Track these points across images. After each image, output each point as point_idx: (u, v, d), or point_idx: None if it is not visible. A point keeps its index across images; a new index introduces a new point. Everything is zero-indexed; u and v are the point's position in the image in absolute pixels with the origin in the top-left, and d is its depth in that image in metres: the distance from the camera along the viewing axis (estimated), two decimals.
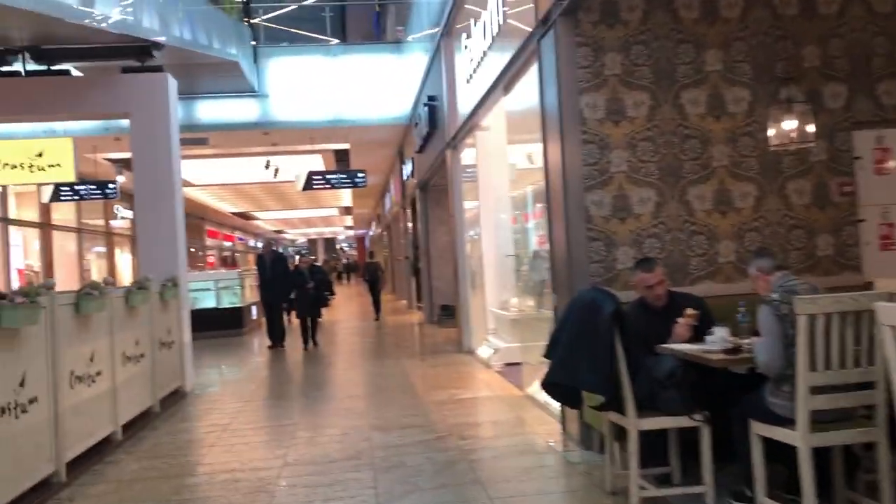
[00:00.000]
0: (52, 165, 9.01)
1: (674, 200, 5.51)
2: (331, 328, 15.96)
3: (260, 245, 56.98)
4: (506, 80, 7.41)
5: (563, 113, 5.48)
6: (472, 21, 8.78)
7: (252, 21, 18.46)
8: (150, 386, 7.54)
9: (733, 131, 5.58)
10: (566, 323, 4.32)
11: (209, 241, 38.09)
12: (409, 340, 13.40)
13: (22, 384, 4.77)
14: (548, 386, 4.38)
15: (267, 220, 42.91)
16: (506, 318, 9.76)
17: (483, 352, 10.06)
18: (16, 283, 19.50)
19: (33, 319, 4.75)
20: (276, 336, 12.54)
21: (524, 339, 9.56)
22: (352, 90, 16.89)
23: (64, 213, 21.36)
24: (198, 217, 35.00)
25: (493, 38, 7.74)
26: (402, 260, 22.65)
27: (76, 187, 17.82)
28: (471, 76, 9.23)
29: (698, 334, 4.45)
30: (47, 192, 17.72)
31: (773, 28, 5.63)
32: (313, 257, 18.53)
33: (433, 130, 12.53)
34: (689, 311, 4.49)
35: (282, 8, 27.82)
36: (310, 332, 12.33)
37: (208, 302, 16.06)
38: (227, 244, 42.64)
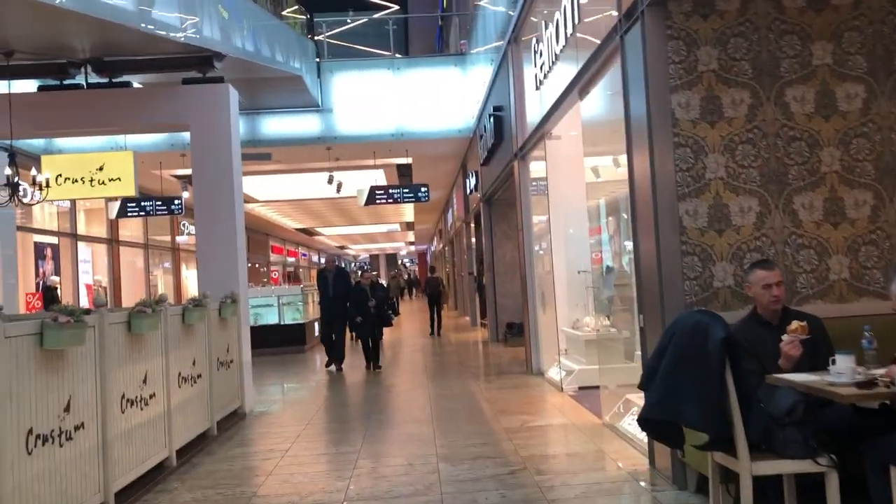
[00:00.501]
0: (113, 179, 8.82)
1: (778, 210, 4.88)
2: (392, 346, 15.55)
3: (323, 261, 57.39)
4: (581, 83, 6.87)
5: (651, 114, 4.92)
6: (543, 24, 8.28)
7: (316, 38, 18.30)
8: (207, 408, 7.19)
9: (845, 132, 4.93)
10: (665, 350, 3.74)
11: (273, 257, 38.33)
12: (475, 360, 12.87)
13: (67, 409, 4.42)
14: (644, 422, 3.80)
15: (330, 235, 43.00)
16: (579, 339, 9.15)
17: (554, 374, 9.47)
18: (84, 299, 19.71)
19: (79, 340, 4.40)
20: (335, 356, 11.85)
21: (599, 360, 8.95)
22: (415, 104, 16.58)
23: (132, 229, 21.58)
24: (262, 233, 35.24)
25: (566, 39, 7.22)
26: (465, 276, 22.16)
27: (142, 203, 17.92)
28: (541, 82, 8.72)
29: (812, 358, 3.84)
30: (114, 208, 17.86)
31: (892, 16, 4.98)
32: (375, 272, 18.08)
33: (499, 142, 12.04)
34: (795, 323, 3.87)
35: (345, 24, 27.86)
36: (371, 353, 11.70)
37: (271, 318, 15.84)
38: (291, 260, 42.88)
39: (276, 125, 16.75)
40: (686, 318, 3.80)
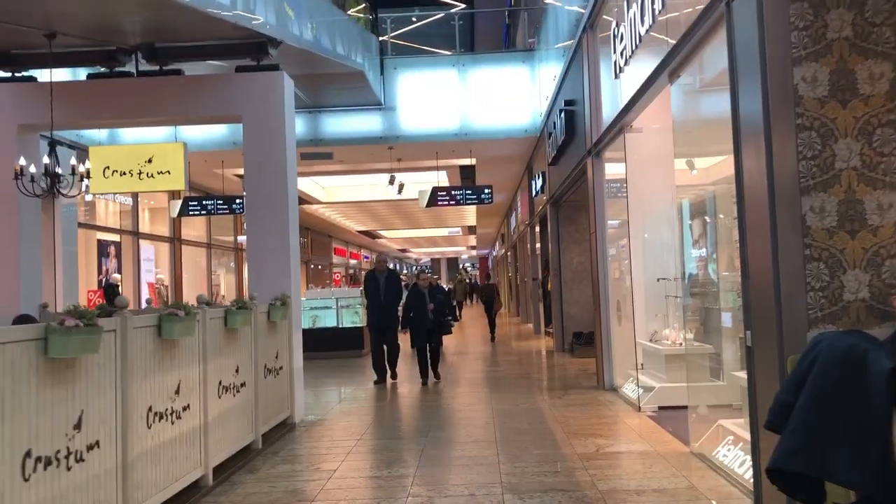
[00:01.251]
0: (162, 172, 8.30)
1: None
2: (451, 353, 14.79)
3: (373, 259, 56.95)
4: (673, 64, 6.00)
5: (768, 92, 4.06)
6: (625, 4, 7.42)
7: (380, 38, 17.73)
8: (251, 419, 6.56)
9: None
10: (803, 382, 2.89)
11: (336, 259, 38.08)
12: (540, 371, 12.02)
13: (78, 426, 3.79)
14: (776, 473, 2.94)
15: (392, 238, 42.60)
16: (658, 353, 8.25)
17: (630, 390, 8.57)
18: (146, 297, 19.55)
19: (92, 347, 3.76)
20: (391, 366, 10.81)
21: (683, 378, 8.03)
22: (480, 102, 15.86)
23: (196, 228, 21.39)
24: (325, 234, 34.99)
25: (653, 16, 6.36)
26: (529, 282, 21.29)
27: (204, 202, 17.63)
28: (620, 70, 7.86)
29: None
30: (176, 207, 17.61)
31: None
32: (436, 276, 17.29)
33: (570, 139, 11.19)
34: None
35: (410, 24, 27.32)
36: (429, 363, 10.64)
37: (329, 321, 15.29)
38: (353, 262, 42.61)
39: (337, 124, 16.23)
40: (834, 341, 2.92)
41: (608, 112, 8.78)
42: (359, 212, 29.35)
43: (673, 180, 8.72)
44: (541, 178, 15.77)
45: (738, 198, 4.61)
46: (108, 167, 8.24)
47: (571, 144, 11.28)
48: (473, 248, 51.03)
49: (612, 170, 9.34)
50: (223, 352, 5.93)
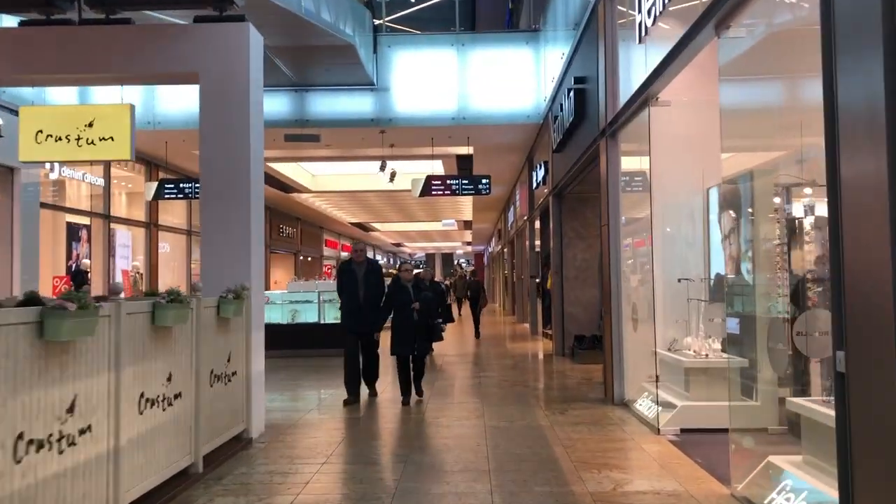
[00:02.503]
0: (104, 139, 7.00)
1: None
2: (440, 356, 13.51)
3: (387, 261, 55.33)
4: (723, 8, 4.74)
5: (884, 17, 2.81)
6: None
7: (375, 21, 16.41)
8: (188, 438, 5.29)
9: None
10: None
11: (327, 251, 36.80)
12: (538, 380, 10.74)
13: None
14: None
15: (385, 231, 41.32)
16: (680, 365, 7.00)
17: (645, 408, 7.32)
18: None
19: (88, 330, 2.53)
20: (359, 384, 8.63)
21: (709, 395, 6.78)
22: (479, 85, 14.62)
23: (176, 214, 20.09)
24: (317, 225, 33.69)
25: None
26: (526, 279, 20.04)
27: (181, 185, 16.35)
28: (647, 30, 6.60)
29: None
30: (151, 190, 16.32)
31: None
32: (430, 270, 15.96)
33: (579, 120, 9.93)
34: None
35: (408, 7, 26.04)
36: (412, 376, 8.58)
37: (309, 316, 14.02)
38: (345, 255, 41.31)
39: (325, 104, 14.96)
40: None
41: (627, 85, 7.52)
42: (351, 202, 28.08)
43: (703, 164, 7.49)
44: (543, 168, 14.52)
45: (829, 172, 3.33)
46: (40, 131, 6.94)
47: (581, 127, 10.02)
48: (469, 243, 49.75)
49: (630, 152, 8.09)
50: (148, 356, 4.66)
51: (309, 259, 33.64)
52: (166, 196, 16.31)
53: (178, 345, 5.11)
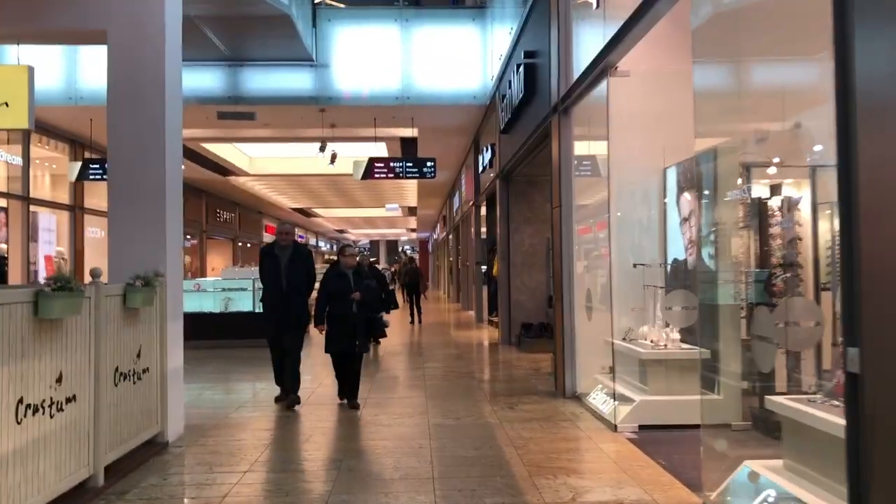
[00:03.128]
0: None
1: None
2: (383, 345, 12.87)
3: (330, 248, 53.93)
4: None
5: None
6: None
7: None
8: (85, 447, 4.55)
9: None
10: None
11: (267, 237, 35.69)
12: (485, 370, 10.18)
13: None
14: None
15: (328, 217, 40.32)
16: (639, 357, 6.50)
17: (599, 402, 6.81)
18: (43, 272, 17.07)
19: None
20: (290, 381, 7.39)
21: (668, 389, 6.31)
22: (424, 64, 13.94)
23: (105, 196, 18.91)
24: (255, 210, 32.58)
25: None
26: (471, 266, 19.51)
27: (107, 165, 15.25)
28: None
29: None
30: (74, 170, 15.21)
31: None
32: (373, 257, 15.12)
33: (529, 97, 9.36)
34: None
35: None
36: (350, 378, 7.39)
37: (244, 304, 13.20)
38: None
39: (261, 80, 14.08)
40: None
41: (582, 57, 6.97)
42: (291, 187, 27.10)
43: (661, 143, 7.01)
44: (489, 150, 13.95)
45: (843, 178, 2.77)
46: None
47: (531, 105, 9.46)
48: (414, 230, 49.06)
49: (585, 130, 7.55)
50: (30, 354, 3.90)
51: (248, 245, 32.53)
52: (91, 177, 15.23)
53: (71, 340, 4.35)
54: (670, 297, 6.51)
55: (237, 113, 13.96)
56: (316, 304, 7.42)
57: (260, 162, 23.02)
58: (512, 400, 7.52)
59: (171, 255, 6.00)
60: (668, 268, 7.24)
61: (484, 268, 17.16)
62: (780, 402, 3.90)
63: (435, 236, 42.09)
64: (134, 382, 5.29)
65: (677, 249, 7.20)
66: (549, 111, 8.10)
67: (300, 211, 35.31)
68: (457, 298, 25.74)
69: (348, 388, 7.37)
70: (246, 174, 23.21)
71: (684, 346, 6.48)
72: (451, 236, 28.11)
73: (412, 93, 14.03)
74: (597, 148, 7.55)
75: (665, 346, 6.48)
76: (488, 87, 13.64)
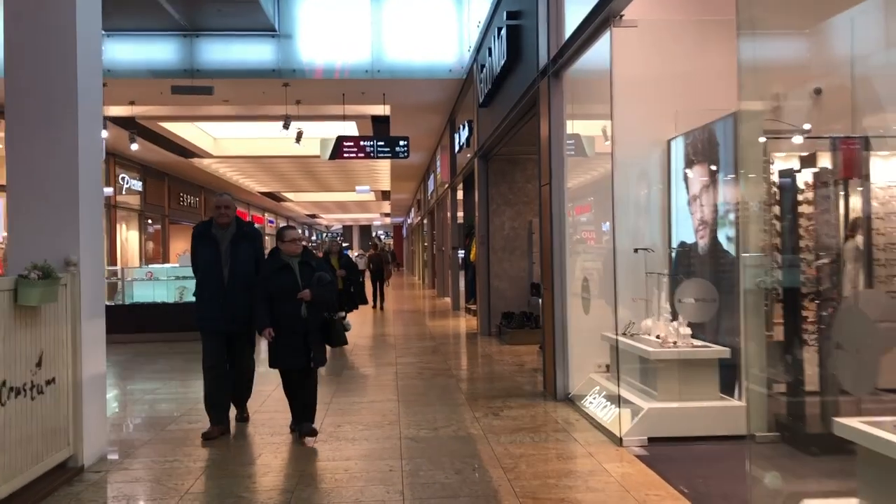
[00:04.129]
0: None
1: None
2: (351, 336, 11.84)
3: (302, 233, 51.98)
4: None
5: None
6: None
7: None
8: None
9: None
10: None
11: None
12: (464, 366, 9.20)
13: None
14: None
15: (299, 202, 39.03)
16: (648, 356, 5.53)
17: (598, 407, 5.85)
18: None
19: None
20: (227, 408, 5.81)
21: (685, 394, 5.38)
22: (396, 34, 12.86)
23: None
24: (223, 195, 31.22)
25: None
26: (447, 251, 18.51)
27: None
28: None
29: None
30: None
31: None
32: (332, 239, 13.93)
33: (512, 63, 8.34)
34: None
35: None
36: (304, 398, 5.62)
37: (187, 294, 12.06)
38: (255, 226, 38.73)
39: (219, 51, 12.90)
40: None
41: (578, 8, 5.95)
42: (258, 169, 25.83)
43: (668, 109, 6.07)
44: (466, 128, 12.92)
45: None
46: None
47: (514, 72, 8.44)
48: (388, 215, 47.93)
49: (580, 94, 6.55)
50: None
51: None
52: None
53: None
54: (684, 287, 5.56)
55: (193, 87, 12.75)
56: (254, 308, 5.49)
57: (225, 143, 21.76)
58: (496, 403, 6.55)
59: (88, 239, 4.92)
60: (674, 253, 6.30)
61: (461, 253, 16.17)
62: (857, 426, 2.96)
63: (409, 221, 41.02)
64: (32, 398, 4.22)
65: (684, 232, 6.26)
66: (536, 76, 7.09)
67: (269, 195, 34.01)
68: (432, 284, 24.76)
69: (302, 411, 5.59)
70: (210, 156, 21.95)
71: (696, 342, 5.55)
72: (425, 221, 27.08)
73: (383, 66, 12.94)
74: (594, 115, 6.57)
75: (675, 343, 5.53)
76: (465, 59, 12.61)
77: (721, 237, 5.67)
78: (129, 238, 22.36)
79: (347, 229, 60.21)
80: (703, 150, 5.91)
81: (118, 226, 21.00)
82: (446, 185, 17.28)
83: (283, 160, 23.11)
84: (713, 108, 5.41)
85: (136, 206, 22.30)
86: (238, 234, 5.76)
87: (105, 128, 13.90)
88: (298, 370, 5.51)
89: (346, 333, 6.55)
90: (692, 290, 5.51)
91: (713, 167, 5.76)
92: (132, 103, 14.52)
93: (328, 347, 5.71)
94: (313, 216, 51.23)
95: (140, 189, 22.31)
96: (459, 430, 5.60)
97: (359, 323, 11.46)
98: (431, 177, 22.55)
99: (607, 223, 6.20)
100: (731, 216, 5.52)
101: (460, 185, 15.84)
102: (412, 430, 5.65)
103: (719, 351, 5.35)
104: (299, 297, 5.35)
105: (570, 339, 6.69)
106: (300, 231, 5.57)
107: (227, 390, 5.85)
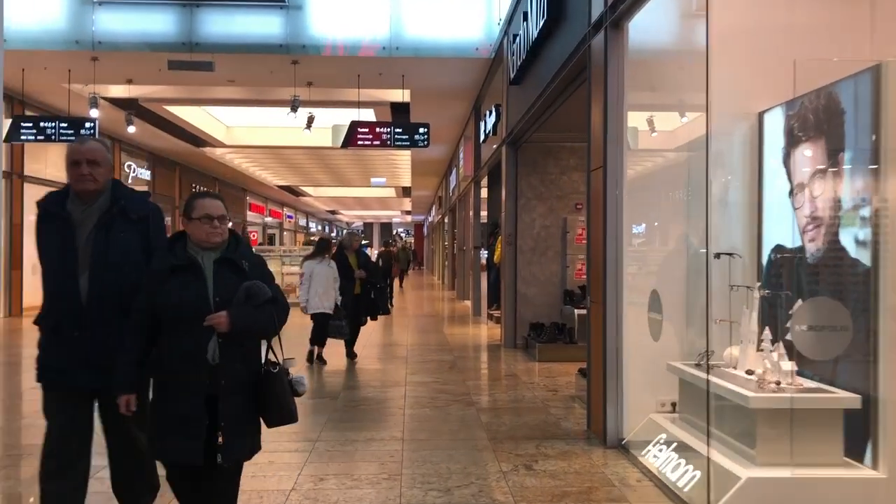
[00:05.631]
0: None
1: None
2: (357, 349, 10.36)
3: (318, 228, 50.46)
4: None
5: None
6: None
7: None
8: None
9: None
10: None
11: (251, 216, 33.11)
12: (486, 390, 7.62)
13: None
14: None
15: (318, 197, 37.68)
16: (747, 403, 3.96)
17: (668, 466, 4.29)
18: None
19: None
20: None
21: (799, 456, 3.82)
22: (416, 5, 11.42)
23: (52, 164, 16.32)
24: (238, 187, 29.98)
25: None
26: (469, 250, 17.00)
27: (41, 124, 12.68)
28: None
29: None
30: (2, 129, 12.60)
31: None
32: (351, 234, 11.51)
33: (556, 22, 6.80)
34: None
35: None
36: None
37: None
38: (272, 220, 37.41)
39: (221, 23, 11.51)
40: None
41: None
42: (274, 161, 24.48)
43: (762, 69, 4.53)
44: (494, 113, 11.40)
45: None
46: None
47: (556, 34, 6.90)
48: (409, 212, 46.48)
49: (646, 50, 5.01)
50: None
51: (231, 224, 29.90)
52: (23, 137, 12.66)
53: None
54: (802, 309, 3.99)
55: (191, 62, 11.35)
56: (119, 345, 3.00)
57: (238, 132, 20.41)
58: (528, 448, 5.03)
59: None
60: (770, 259, 4.74)
61: (484, 253, 14.65)
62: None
63: (430, 219, 39.55)
64: None
65: (780, 232, 4.70)
66: (586, 32, 5.55)
67: (288, 189, 32.72)
68: (451, 286, 23.25)
69: None
70: (223, 145, 20.63)
71: (806, 382, 3.99)
72: (446, 218, 25.59)
73: (403, 42, 11.48)
74: (665, 79, 5.04)
75: (777, 383, 3.98)
76: (493, 34, 11.11)
77: (845, 240, 4.10)
78: None
79: (368, 226, 58.85)
80: (816, 122, 4.34)
81: None
82: (469, 179, 15.76)
83: (298, 151, 21.75)
84: (850, 59, 3.85)
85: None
86: (112, 210, 3.17)
87: (96, 106, 12.56)
88: (194, 468, 2.91)
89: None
90: (814, 313, 3.95)
91: (833, 146, 4.19)
92: (130, 82, 13.15)
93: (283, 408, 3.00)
94: (333, 212, 49.96)
95: (148, 178, 21.03)
96: (481, 495, 4.08)
97: (369, 328, 9.96)
98: (454, 171, 21.04)
99: (678, 221, 4.67)
100: (863, 212, 3.96)
101: (484, 179, 14.33)
102: (417, 490, 4.15)
103: (847, 399, 3.79)
104: (207, 324, 2.84)
105: (626, 367, 5.15)
106: (208, 198, 2.70)
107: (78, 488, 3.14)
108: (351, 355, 8.95)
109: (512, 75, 8.98)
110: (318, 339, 8.59)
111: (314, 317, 8.48)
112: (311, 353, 8.63)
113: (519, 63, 8.44)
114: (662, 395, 5.08)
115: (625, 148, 5.12)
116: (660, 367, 4.92)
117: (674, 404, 5.05)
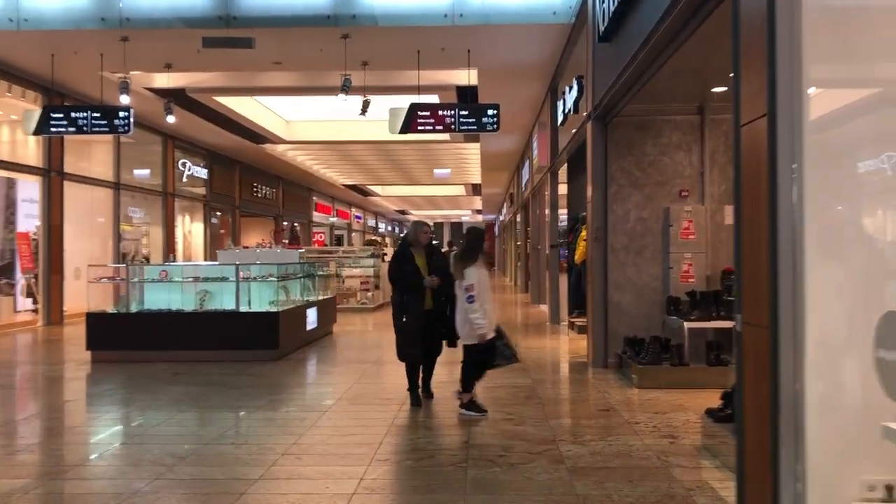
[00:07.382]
0: None
1: None
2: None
3: (388, 229, 48.80)
4: None
5: None
6: None
7: None
8: None
9: None
10: None
11: (317, 216, 31.96)
12: (575, 436, 5.63)
13: None
14: None
15: (386, 196, 36.32)
16: None
17: None
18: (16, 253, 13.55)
19: None
20: None
21: None
22: None
23: (96, 161, 15.28)
24: (303, 187, 28.84)
25: None
26: (545, 249, 15.13)
27: (73, 114, 11.47)
28: None
29: None
30: (31, 121, 11.45)
31: None
32: (417, 228, 7.82)
33: None
34: None
35: None
36: None
37: (225, 301, 9.14)
38: (338, 221, 36.15)
39: None
40: None
41: None
42: (338, 158, 23.12)
43: None
44: (575, 88, 9.53)
45: None
46: None
47: None
48: (479, 211, 44.72)
49: None
50: None
51: (295, 224, 28.83)
52: (53, 129, 11.48)
53: None
54: None
55: (228, 39, 9.91)
56: None
57: (297, 126, 19.10)
58: None
59: None
60: None
61: (563, 252, 12.76)
62: None
63: (502, 218, 37.69)
64: None
65: None
66: None
67: (355, 188, 31.44)
68: (525, 288, 21.38)
69: None
70: (283, 141, 19.36)
71: None
72: (518, 216, 23.72)
73: (467, 8, 9.77)
74: None
75: None
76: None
77: None
78: (192, 231, 20.04)
79: (438, 226, 57.35)
80: None
81: (178, 217, 18.64)
82: (545, 170, 13.88)
83: (361, 146, 20.30)
84: None
85: (201, 196, 19.93)
86: None
87: (127, 92, 11.29)
88: None
89: None
90: None
91: None
92: (169, 67, 11.82)
93: None
94: (402, 212, 48.64)
95: (205, 177, 19.94)
96: None
97: None
98: (526, 165, 19.18)
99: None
100: None
101: (563, 169, 12.47)
102: None
103: None
104: None
105: (809, 425, 3.26)
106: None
107: None
108: (428, 393, 6.71)
109: (602, 28, 7.11)
110: (485, 367, 6.26)
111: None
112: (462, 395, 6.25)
113: (611, 13, 6.59)
114: (872, 474, 3.17)
115: (805, 84, 3.23)
116: (869, 428, 3.02)
117: (890, 488, 3.14)
